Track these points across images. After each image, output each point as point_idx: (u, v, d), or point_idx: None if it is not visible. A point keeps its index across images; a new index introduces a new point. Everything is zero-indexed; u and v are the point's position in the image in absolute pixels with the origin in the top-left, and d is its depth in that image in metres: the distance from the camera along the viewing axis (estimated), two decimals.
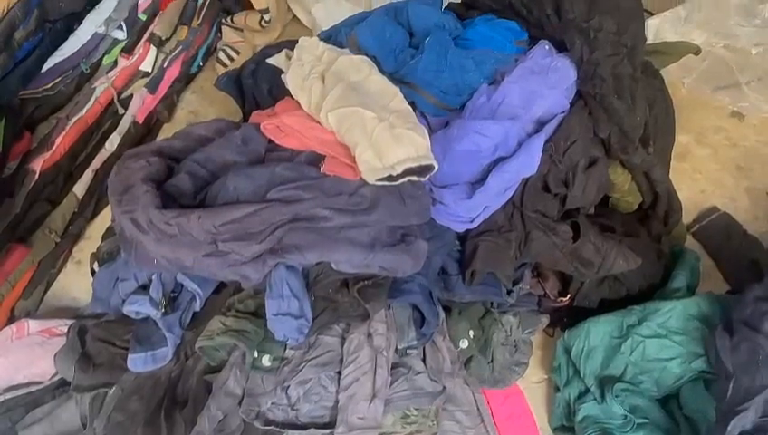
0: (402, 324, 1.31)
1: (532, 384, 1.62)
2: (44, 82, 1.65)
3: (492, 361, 1.51)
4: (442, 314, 1.39)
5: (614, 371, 1.46)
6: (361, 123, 1.17)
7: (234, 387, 1.25)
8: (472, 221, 1.33)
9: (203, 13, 2.32)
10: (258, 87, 1.59)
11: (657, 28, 2.47)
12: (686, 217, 2.00)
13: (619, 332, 1.48)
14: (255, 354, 1.23)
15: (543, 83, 1.33)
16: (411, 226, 1.27)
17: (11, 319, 1.60)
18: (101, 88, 1.84)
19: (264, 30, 2.40)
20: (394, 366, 1.30)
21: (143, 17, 1.96)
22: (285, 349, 1.28)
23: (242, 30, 2.43)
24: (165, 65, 2.13)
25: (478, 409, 1.45)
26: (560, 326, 1.68)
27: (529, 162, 1.27)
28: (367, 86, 1.29)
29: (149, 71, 2.06)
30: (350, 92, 1.23)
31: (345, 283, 1.28)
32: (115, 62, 1.91)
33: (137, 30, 1.96)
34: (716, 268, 1.89)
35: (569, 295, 1.59)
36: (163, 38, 2.08)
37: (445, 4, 1.68)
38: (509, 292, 1.50)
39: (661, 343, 1.43)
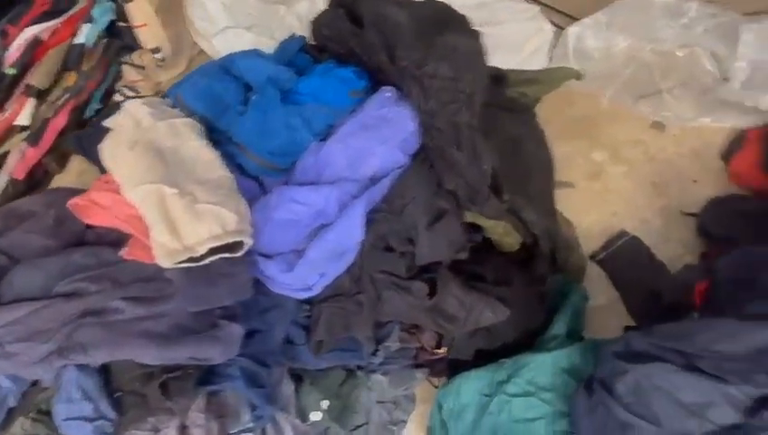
0: (236, 407, 1.23)
1: None
2: None
3: (360, 426, 1.43)
4: (288, 389, 1.31)
5: (482, 431, 1.37)
6: (159, 202, 1.09)
7: None
8: (310, 289, 1.25)
9: (97, 54, 2.24)
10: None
11: (578, 36, 2.37)
12: (595, 244, 1.91)
13: (489, 388, 1.41)
14: None
15: (374, 139, 1.25)
16: (227, 305, 1.20)
17: None
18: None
19: (165, 66, 2.32)
20: None
21: (11, 71, 1.89)
22: None
23: (143, 68, 2.35)
24: (48, 116, 2.05)
25: None
26: (446, 376, 1.59)
27: (350, 229, 1.19)
28: (182, 153, 1.21)
29: (27, 124, 1.99)
30: (158, 164, 1.15)
31: (152, 375, 1.20)
32: None
33: (5, 85, 1.89)
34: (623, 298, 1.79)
35: (444, 348, 1.50)
36: (41, 88, 2.01)
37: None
38: (375, 352, 1.41)
39: (528, 402, 1.35)
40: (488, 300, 1.36)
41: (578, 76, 1.67)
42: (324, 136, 1.34)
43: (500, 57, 2.25)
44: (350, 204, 1.22)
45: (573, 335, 1.48)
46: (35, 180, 2.02)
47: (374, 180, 1.27)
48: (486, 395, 1.38)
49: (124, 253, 1.15)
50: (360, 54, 1.37)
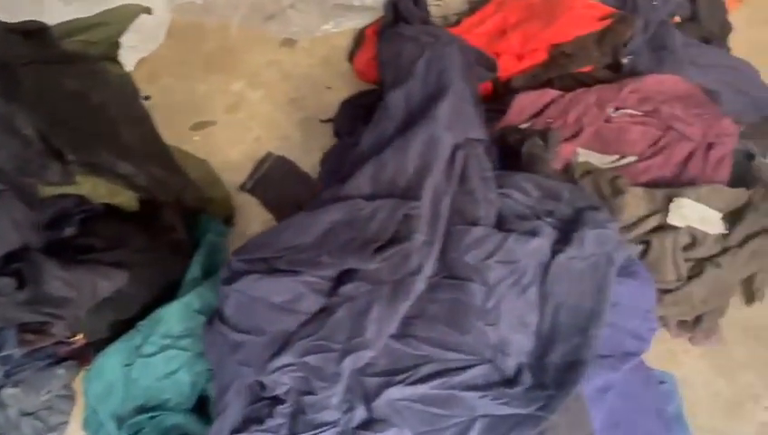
0: None
1: None
2: None
3: None
4: None
5: (133, 402, 1.30)
6: None
7: None
8: None
9: None
10: None
11: None
12: (241, 173, 1.89)
13: (129, 358, 1.32)
14: None
15: None
16: None
17: None
18: None
19: None
20: None
21: None
22: None
23: None
24: None
25: None
26: None
27: None
28: None
29: None
30: None
31: None
32: None
33: None
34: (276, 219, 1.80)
35: (79, 334, 1.37)
36: None
37: None
38: None
39: (166, 356, 1.30)
40: (99, 269, 1.26)
41: (147, 11, 1.56)
42: None
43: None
44: None
45: (213, 274, 1.44)
46: None
47: None
48: (128, 365, 1.30)
49: None
50: None
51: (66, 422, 1.38)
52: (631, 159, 1.48)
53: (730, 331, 1.51)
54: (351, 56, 2.11)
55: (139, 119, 1.42)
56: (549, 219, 1.14)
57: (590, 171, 1.44)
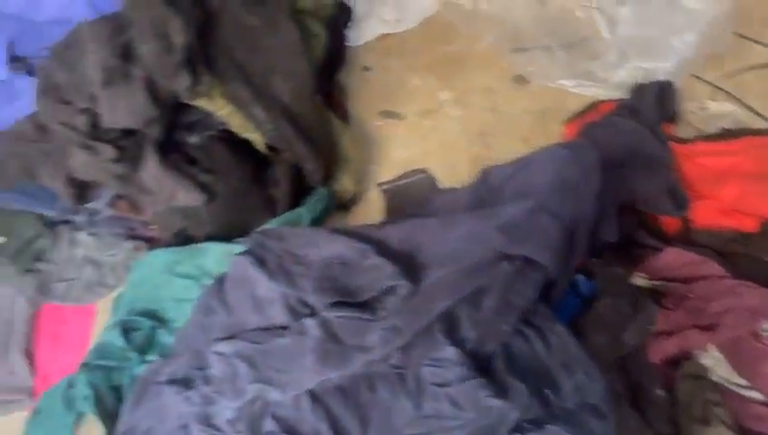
0: None
1: None
2: None
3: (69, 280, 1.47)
4: None
5: (146, 304, 1.41)
6: None
7: None
8: None
9: None
10: None
11: None
12: (395, 174, 1.88)
13: (168, 266, 1.42)
14: None
15: None
16: None
17: None
18: None
19: None
20: None
21: None
22: None
23: None
24: None
25: (13, 320, 1.43)
26: None
27: None
28: None
29: None
30: None
31: None
32: None
33: None
34: None
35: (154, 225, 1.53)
36: None
37: None
38: (75, 209, 1.45)
39: (187, 284, 1.36)
40: (183, 181, 1.36)
41: None
42: None
43: None
44: None
45: None
46: None
47: (51, 25, 1.27)
48: (162, 272, 1.40)
49: None
50: None
51: (114, 287, 1.53)
52: (757, 395, 1.12)
53: None
54: (567, 122, 1.92)
55: (300, 78, 1.47)
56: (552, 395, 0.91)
57: (698, 377, 1.13)
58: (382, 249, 1.06)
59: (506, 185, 1.13)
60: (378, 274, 1.03)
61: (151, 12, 1.21)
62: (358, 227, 1.21)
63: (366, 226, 1.20)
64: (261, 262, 1.11)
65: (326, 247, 1.09)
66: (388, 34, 2.19)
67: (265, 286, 1.07)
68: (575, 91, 2.03)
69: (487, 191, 1.15)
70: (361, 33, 2.11)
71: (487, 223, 1.03)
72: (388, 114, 2.00)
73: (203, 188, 1.38)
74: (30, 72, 1.26)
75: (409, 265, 1.03)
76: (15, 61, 1.26)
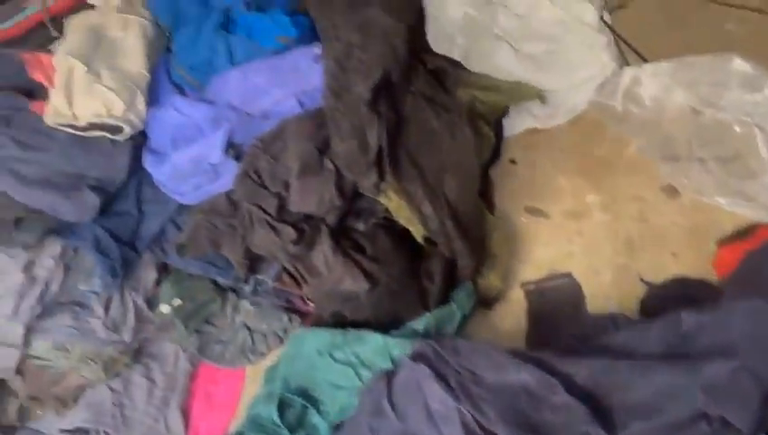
0: (90, 268, 1.41)
1: None
2: None
3: (222, 342, 1.56)
4: (149, 275, 1.47)
5: (301, 382, 1.46)
6: (68, 72, 1.29)
7: None
8: (182, 195, 1.39)
9: None
10: None
11: (634, 78, 2.27)
12: (537, 274, 1.88)
13: (324, 348, 1.48)
14: None
15: (275, 81, 1.35)
16: (100, 178, 1.37)
17: None
18: (33, 9, 2.06)
19: None
20: (72, 303, 1.41)
21: None
22: None
23: None
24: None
25: (177, 376, 1.52)
26: None
27: (209, 148, 1.31)
28: (117, 44, 1.40)
29: (96, 4, 2.25)
30: (88, 44, 1.35)
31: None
32: None
33: None
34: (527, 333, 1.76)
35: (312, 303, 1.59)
36: None
37: None
38: (246, 279, 1.54)
39: (345, 371, 1.41)
40: (351, 268, 1.42)
41: (541, 98, 1.63)
42: (239, 65, 1.46)
43: (549, 74, 2.24)
44: (222, 128, 1.34)
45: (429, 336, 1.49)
46: None
47: (263, 118, 1.37)
48: (319, 353, 1.46)
49: (31, 104, 1.37)
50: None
51: (264, 355, 1.60)
52: None
53: None
54: (722, 242, 1.86)
55: (465, 178, 1.51)
56: None
57: None
58: (569, 385, 1.06)
59: (700, 335, 1.11)
60: (570, 416, 1.02)
61: (353, 113, 1.29)
62: (537, 352, 1.21)
63: (546, 353, 1.20)
64: (438, 374, 1.13)
65: (510, 373, 1.10)
66: (536, 129, 2.21)
67: (442, 401, 1.09)
68: (730, 209, 1.97)
69: (679, 337, 1.13)
70: (511, 125, 2.14)
71: (690, 378, 1.01)
72: (534, 211, 2.00)
73: (367, 275, 1.43)
74: (237, 158, 1.36)
75: (599, 409, 1.02)
76: (230, 147, 1.37)
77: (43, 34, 2.13)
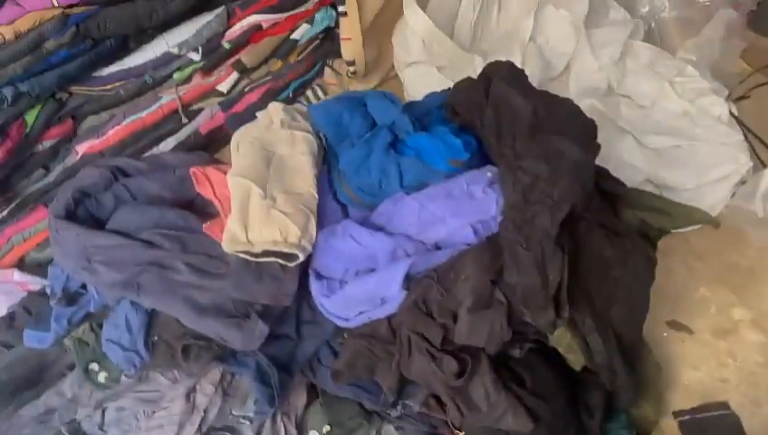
0: (246, 394, 1.35)
1: None
2: (101, 83, 1.92)
3: None
4: (300, 400, 1.40)
5: None
6: (245, 195, 1.24)
7: (66, 388, 1.39)
8: (346, 320, 1.33)
9: (306, 51, 2.51)
10: None
11: None
12: (688, 402, 1.73)
13: None
14: (96, 367, 1.36)
15: (451, 209, 1.28)
16: (267, 304, 1.31)
17: (20, 266, 1.91)
18: (168, 98, 2.10)
19: (355, 78, 2.54)
20: (223, 429, 1.34)
21: (227, 45, 2.18)
22: (122, 373, 1.39)
23: (339, 74, 2.60)
24: (245, 90, 2.35)
25: None
26: None
27: (388, 282, 1.24)
28: (286, 162, 1.35)
29: (225, 92, 2.29)
30: (260, 164, 1.31)
31: (184, 335, 1.35)
32: (189, 78, 2.16)
33: (218, 55, 2.18)
34: None
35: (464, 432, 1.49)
36: (248, 66, 2.29)
37: None
38: (395, 404, 1.46)
39: None
40: (515, 406, 1.32)
41: (715, 224, 1.52)
42: (412, 191, 1.40)
43: (676, 170, 2.14)
44: (400, 259, 1.27)
45: None
46: (215, 139, 2.32)
47: (437, 248, 1.30)
48: None
49: (205, 226, 1.32)
50: (479, 129, 1.40)
51: None
52: None
53: None
54: None
55: (635, 309, 1.41)
56: None
57: None
58: None
59: None
60: None
61: (536, 246, 1.20)
62: None
63: None
64: None
65: None
66: (670, 232, 2.09)
67: None
68: None
69: None
70: None
71: None
72: (676, 326, 1.87)
73: (530, 412, 1.32)
74: (407, 288, 1.28)
75: None
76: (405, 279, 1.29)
77: (174, 119, 2.17)
